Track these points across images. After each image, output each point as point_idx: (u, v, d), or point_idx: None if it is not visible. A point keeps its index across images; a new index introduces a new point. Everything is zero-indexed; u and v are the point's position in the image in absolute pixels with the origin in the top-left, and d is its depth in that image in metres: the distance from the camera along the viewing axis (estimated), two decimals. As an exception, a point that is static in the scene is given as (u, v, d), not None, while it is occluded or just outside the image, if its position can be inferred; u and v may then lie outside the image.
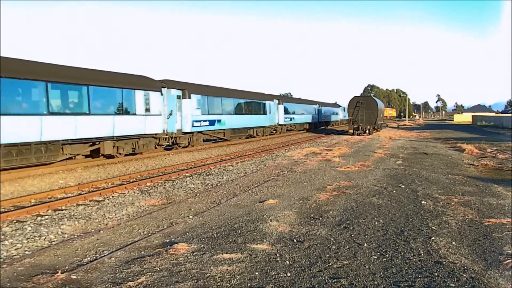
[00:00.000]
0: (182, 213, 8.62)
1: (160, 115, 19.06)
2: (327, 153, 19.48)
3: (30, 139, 12.57)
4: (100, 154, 16.39)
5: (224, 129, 25.28)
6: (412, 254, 5.74)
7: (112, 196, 10.38)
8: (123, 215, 8.67)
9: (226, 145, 25.41)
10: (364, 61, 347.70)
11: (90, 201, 9.86)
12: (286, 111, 38.21)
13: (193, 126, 21.64)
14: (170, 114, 19.99)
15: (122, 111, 16.92)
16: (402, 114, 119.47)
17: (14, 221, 8.02)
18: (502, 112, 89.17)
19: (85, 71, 15.72)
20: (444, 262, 5.42)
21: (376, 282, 4.78)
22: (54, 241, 6.91)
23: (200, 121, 22.26)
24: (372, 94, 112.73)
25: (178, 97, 20.66)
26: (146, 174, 13.90)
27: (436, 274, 5.03)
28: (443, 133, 38.97)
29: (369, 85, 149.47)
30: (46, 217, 8.40)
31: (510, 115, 54.21)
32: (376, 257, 5.64)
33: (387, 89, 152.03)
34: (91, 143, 15.49)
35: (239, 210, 8.59)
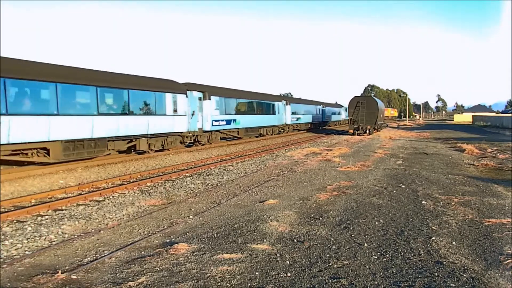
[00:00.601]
0: (182, 213, 8.62)
1: (185, 115, 21.04)
2: (327, 153, 19.48)
3: (83, 136, 14.68)
4: (133, 150, 18.21)
5: (238, 128, 27.41)
6: (412, 254, 5.73)
7: (113, 196, 10.38)
8: (123, 215, 8.67)
9: (227, 145, 25.49)
10: (364, 61, 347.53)
11: (90, 201, 9.86)
12: (293, 112, 39.92)
13: (212, 125, 23.57)
14: (193, 114, 21.79)
15: (155, 112, 18.89)
16: (402, 114, 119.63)
17: (14, 221, 8.02)
18: (502, 112, 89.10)
19: (125, 77, 17.87)
20: (444, 262, 5.42)
21: (376, 282, 4.78)
22: (54, 241, 6.91)
23: (218, 120, 24.18)
24: (372, 94, 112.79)
25: (200, 98, 22.56)
26: (146, 174, 13.91)
27: (436, 274, 5.03)
28: (443, 133, 38.97)
29: (369, 85, 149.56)
30: (46, 217, 8.40)
31: (510, 115, 54.20)
32: (376, 257, 5.64)
33: (387, 89, 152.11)
34: (129, 140, 17.47)
35: (240, 210, 8.59)
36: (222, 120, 24.71)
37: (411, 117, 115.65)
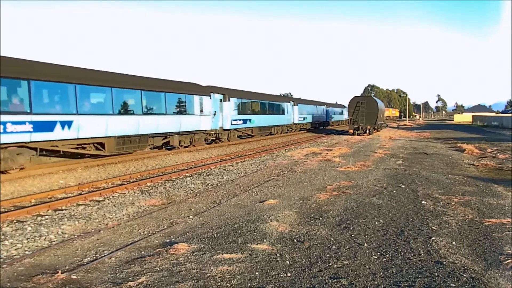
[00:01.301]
0: (182, 213, 8.62)
1: (209, 115, 23.63)
2: (327, 153, 19.48)
3: (131, 133, 17.17)
4: (164, 146, 20.63)
5: (252, 127, 30.18)
6: (412, 254, 5.73)
7: (112, 196, 10.38)
8: (123, 215, 8.67)
9: (227, 145, 25.52)
10: (364, 61, 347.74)
11: (90, 201, 9.86)
12: (300, 112, 42.33)
13: (231, 124, 26.37)
14: (215, 114, 24.30)
15: (186, 112, 21.44)
16: (402, 114, 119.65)
17: (14, 221, 8.02)
18: (502, 112, 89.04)
19: (162, 81, 20.59)
20: (444, 262, 5.42)
21: (376, 282, 4.78)
22: (54, 241, 6.91)
23: (236, 120, 27.17)
24: (372, 94, 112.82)
25: (220, 100, 25.17)
26: (146, 174, 13.90)
27: (436, 274, 5.03)
28: (443, 133, 38.97)
29: (369, 85, 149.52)
30: (46, 217, 8.40)
31: (510, 115, 54.20)
32: (376, 257, 5.64)
33: (387, 89, 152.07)
34: (164, 137, 19.87)
35: (239, 210, 8.59)
36: (240, 120, 27.62)
37: (411, 117, 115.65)
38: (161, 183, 12.33)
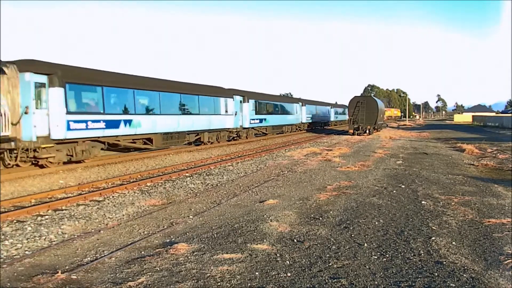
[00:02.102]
0: (182, 213, 8.62)
1: (232, 115, 27.04)
2: (327, 153, 19.48)
3: (173, 130, 20.21)
4: (192, 142, 23.76)
5: (267, 126, 33.47)
6: (412, 254, 5.73)
7: (112, 196, 10.38)
8: (123, 215, 8.67)
9: (227, 145, 25.56)
10: (364, 61, 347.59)
11: (90, 201, 9.86)
12: (307, 112, 45.51)
13: (250, 123, 29.69)
14: (235, 114, 27.55)
15: (214, 112, 24.73)
16: (402, 114, 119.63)
17: (14, 221, 8.02)
18: (502, 112, 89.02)
19: (195, 86, 24.09)
20: (444, 262, 5.42)
21: (376, 282, 4.78)
22: (54, 241, 6.91)
23: (254, 119, 30.48)
24: (372, 94, 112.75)
25: (240, 101, 28.46)
26: (146, 174, 13.90)
27: (436, 274, 5.02)
28: (443, 133, 38.98)
29: (369, 85, 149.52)
30: (46, 217, 8.40)
31: (510, 115, 54.20)
32: (376, 257, 5.64)
33: (387, 89, 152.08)
34: (196, 134, 23.21)
35: (239, 210, 8.59)
36: (257, 119, 31.04)
37: (411, 117, 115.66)
38: (161, 183, 12.33)
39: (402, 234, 6.67)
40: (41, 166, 13.82)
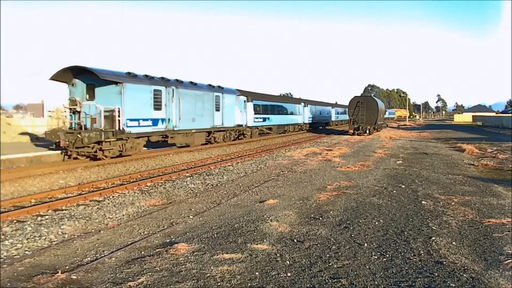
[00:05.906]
0: (182, 213, 8.62)
1: (301, 115, 38.84)
2: (327, 153, 19.48)
3: (279, 123, 36.67)
4: (283, 130, 38.51)
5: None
6: (412, 254, 5.73)
7: (113, 196, 10.38)
8: (123, 215, 8.67)
9: (227, 145, 25.53)
10: (364, 61, 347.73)
11: (90, 201, 9.86)
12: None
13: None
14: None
15: (292, 113, 40.63)
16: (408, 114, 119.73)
17: (14, 221, 8.02)
18: (502, 112, 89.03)
19: (285, 97, 33.91)
20: (444, 262, 5.42)
21: (376, 282, 4.78)
22: (54, 241, 6.91)
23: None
24: (372, 94, 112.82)
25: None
26: (146, 174, 13.90)
27: (436, 274, 5.03)
28: (443, 133, 38.98)
29: (369, 85, 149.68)
30: (46, 217, 8.40)
31: (510, 115, 54.19)
32: (376, 257, 5.64)
33: (387, 89, 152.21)
34: (284, 126, 38.67)
35: (240, 210, 8.58)
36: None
37: (411, 117, 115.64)
38: (161, 183, 12.32)
39: (402, 234, 6.67)
40: (242, 134, 29.89)
